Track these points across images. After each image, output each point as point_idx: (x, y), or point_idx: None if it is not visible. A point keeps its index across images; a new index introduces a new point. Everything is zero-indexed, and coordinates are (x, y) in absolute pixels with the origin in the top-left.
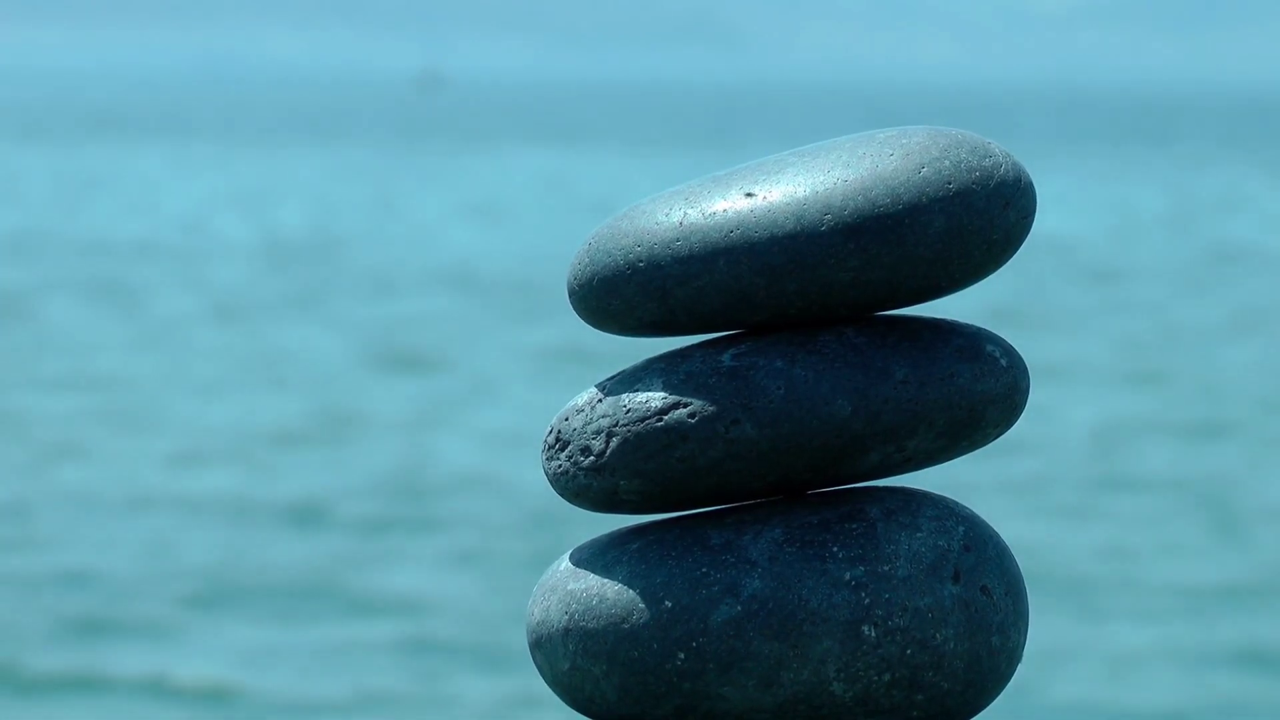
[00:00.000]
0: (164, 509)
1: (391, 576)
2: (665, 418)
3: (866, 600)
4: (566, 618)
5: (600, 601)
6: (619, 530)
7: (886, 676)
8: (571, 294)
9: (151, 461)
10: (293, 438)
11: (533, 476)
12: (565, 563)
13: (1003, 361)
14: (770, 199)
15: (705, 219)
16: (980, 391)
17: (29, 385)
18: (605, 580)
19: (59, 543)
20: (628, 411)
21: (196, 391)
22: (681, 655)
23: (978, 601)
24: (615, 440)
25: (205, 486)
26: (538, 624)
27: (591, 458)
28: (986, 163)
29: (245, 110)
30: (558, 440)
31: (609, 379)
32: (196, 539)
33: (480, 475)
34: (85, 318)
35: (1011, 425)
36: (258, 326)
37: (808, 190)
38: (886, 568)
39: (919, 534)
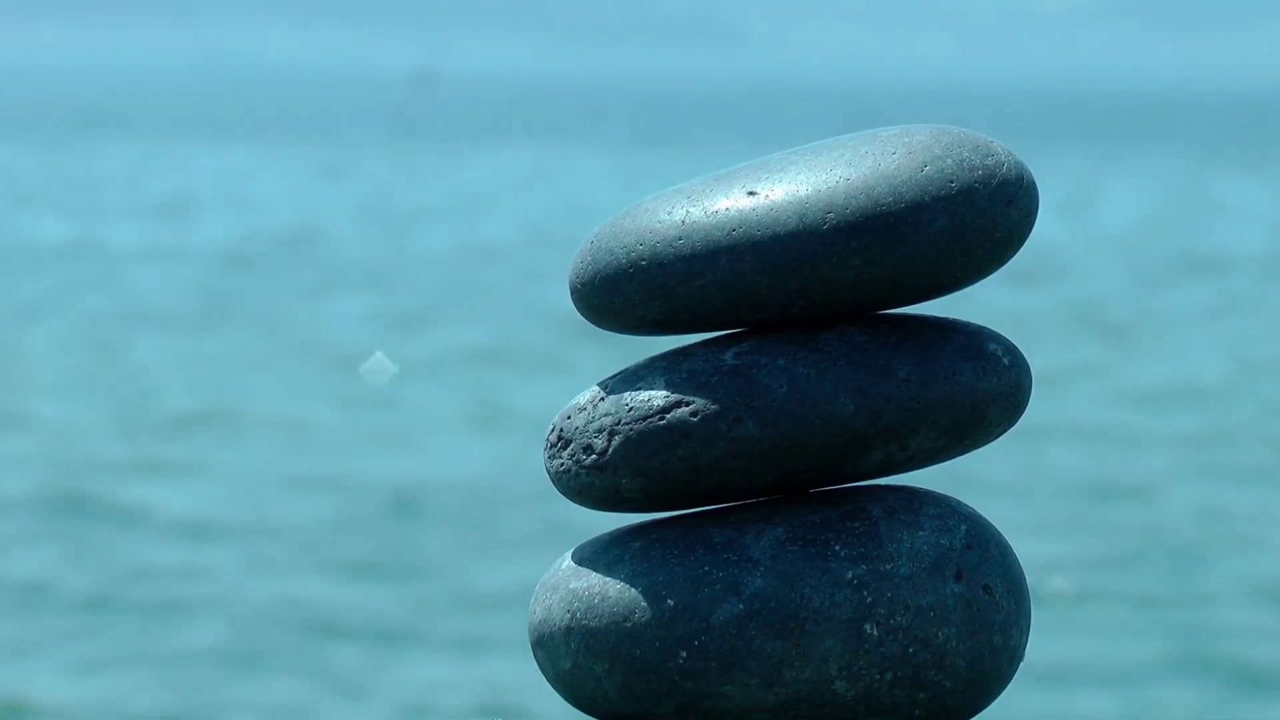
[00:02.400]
0: None
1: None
2: (667, 416)
3: (869, 599)
4: (569, 616)
5: (602, 600)
6: (621, 529)
7: (889, 675)
8: (574, 292)
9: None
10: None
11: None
12: (567, 561)
13: (1005, 360)
14: (773, 197)
15: (707, 217)
16: (983, 390)
17: None
18: (607, 579)
19: None
20: (630, 410)
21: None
22: (684, 654)
23: (980, 600)
24: (617, 439)
25: None
26: (540, 622)
27: (594, 456)
28: (989, 161)
29: (243, 109)
30: (560, 438)
31: (611, 377)
32: None
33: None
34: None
35: (1014, 424)
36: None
37: (810, 189)
38: (889, 566)
39: (921, 533)
